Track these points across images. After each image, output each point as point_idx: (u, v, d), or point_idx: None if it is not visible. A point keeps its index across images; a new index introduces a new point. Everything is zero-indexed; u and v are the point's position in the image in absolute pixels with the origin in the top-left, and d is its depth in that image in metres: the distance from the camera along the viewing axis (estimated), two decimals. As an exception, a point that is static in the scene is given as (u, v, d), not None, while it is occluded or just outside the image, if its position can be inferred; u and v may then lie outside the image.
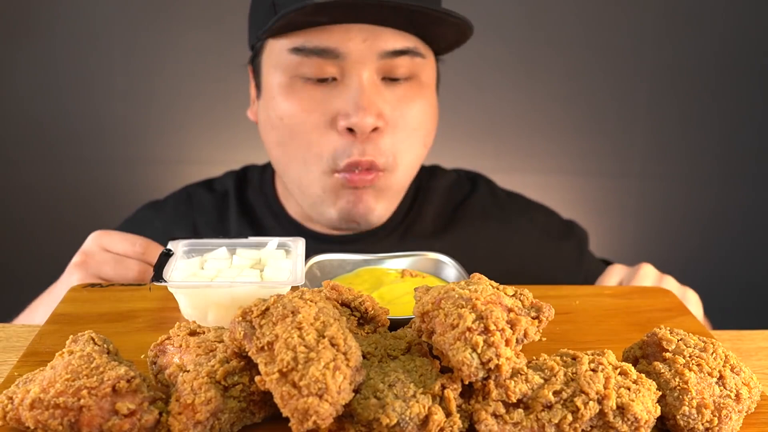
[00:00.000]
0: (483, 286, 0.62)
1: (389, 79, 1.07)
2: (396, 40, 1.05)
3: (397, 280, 0.85)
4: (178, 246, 0.84)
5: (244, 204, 1.27)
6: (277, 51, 1.07)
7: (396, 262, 0.90)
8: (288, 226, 1.22)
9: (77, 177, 1.96)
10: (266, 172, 1.31)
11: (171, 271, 0.78)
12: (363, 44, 1.03)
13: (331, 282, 0.70)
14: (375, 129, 1.04)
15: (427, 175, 1.31)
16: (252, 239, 0.87)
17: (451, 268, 0.88)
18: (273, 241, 0.86)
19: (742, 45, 1.95)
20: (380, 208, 1.12)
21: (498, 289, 0.63)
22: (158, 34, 1.88)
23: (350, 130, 1.04)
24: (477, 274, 0.68)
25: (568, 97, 1.98)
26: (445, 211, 1.29)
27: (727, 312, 2.02)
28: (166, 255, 0.82)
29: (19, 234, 1.98)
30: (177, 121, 1.95)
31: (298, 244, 0.85)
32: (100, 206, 1.98)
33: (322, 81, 1.06)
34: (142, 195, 1.97)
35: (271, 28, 1.04)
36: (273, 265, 0.81)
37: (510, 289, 0.63)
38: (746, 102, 2.00)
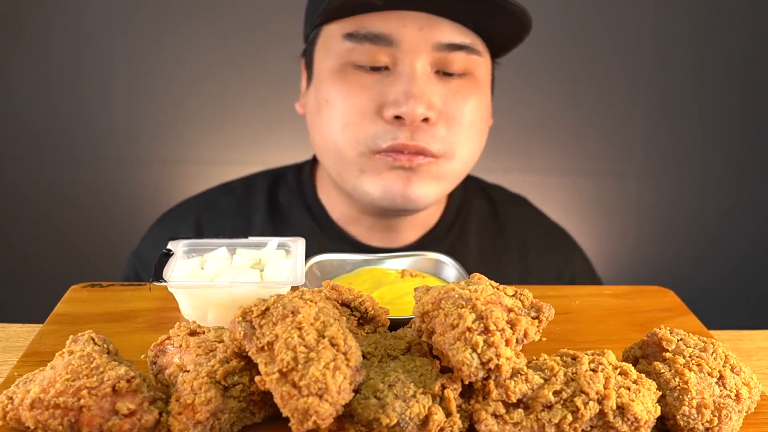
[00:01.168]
0: (483, 286, 0.62)
1: (443, 74, 1.04)
2: (453, 33, 1.03)
3: (397, 280, 0.85)
4: (178, 246, 0.84)
5: (274, 207, 1.23)
6: (332, 37, 1.05)
7: (396, 262, 0.90)
8: (328, 230, 1.19)
9: (78, 177, 1.95)
10: (303, 171, 1.26)
11: (171, 271, 0.78)
12: (418, 33, 1.01)
13: (331, 282, 0.70)
14: (426, 120, 1.01)
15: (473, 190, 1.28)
16: (252, 239, 0.87)
17: (451, 268, 0.88)
18: (273, 241, 0.86)
19: (742, 44, 1.95)
20: (426, 192, 1.06)
21: (498, 289, 0.63)
22: (158, 33, 1.88)
23: (398, 117, 1.01)
24: (477, 274, 0.68)
25: (567, 97, 1.98)
26: (486, 234, 1.25)
27: (727, 312, 2.02)
28: (166, 255, 0.81)
29: (19, 234, 1.98)
30: (177, 121, 1.95)
31: (298, 244, 0.85)
32: (100, 206, 1.98)
33: (374, 69, 1.03)
34: (142, 195, 1.97)
35: (326, 9, 1.02)
36: (273, 265, 0.81)
37: (510, 289, 0.63)
38: (746, 102, 2.00)
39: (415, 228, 1.19)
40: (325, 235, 1.18)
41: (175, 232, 1.21)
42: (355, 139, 1.04)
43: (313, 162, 1.26)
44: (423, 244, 1.18)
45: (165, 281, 0.76)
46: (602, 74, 1.97)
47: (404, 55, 1.02)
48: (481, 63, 1.07)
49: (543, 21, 1.93)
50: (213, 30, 1.88)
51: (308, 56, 1.13)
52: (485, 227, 1.26)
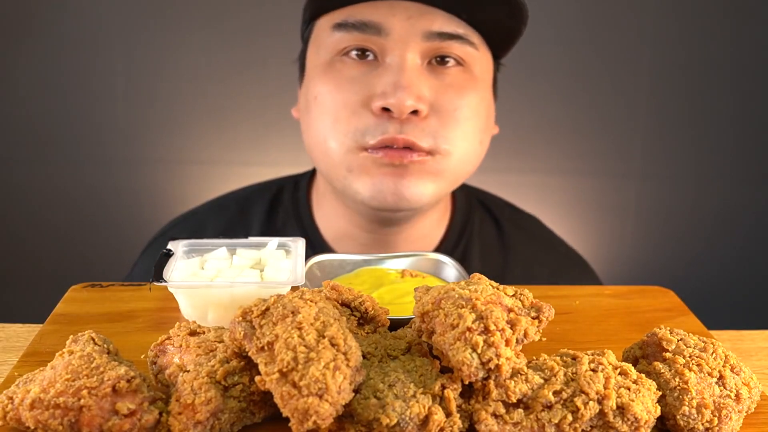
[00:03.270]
0: (483, 286, 0.62)
1: (437, 63, 1.00)
2: (444, 22, 0.99)
3: (397, 280, 0.85)
4: (178, 246, 0.84)
5: (269, 228, 1.18)
6: (322, 30, 1.04)
7: (396, 262, 0.90)
8: (320, 252, 1.11)
9: (78, 177, 1.96)
10: (300, 188, 1.21)
11: (171, 271, 0.78)
12: (408, 22, 0.98)
13: (331, 282, 0.70)
14: (415, 112, 0.96)
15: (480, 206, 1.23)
16: (252, 239, 0.86)
17: (451, 268, 0.88)
18: (273, 241, 0.86)
19: (743, 44, 1.95)
20: (420, 191, 1.00)
21: (498, 289, 0.63)
22: (159, 34, 1.88)
23: (386, 110, 0.96)
24: (477, 274, 0.68)
25: (567, 97, 1.98)
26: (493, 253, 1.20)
27: (727, 312, 2.02)
28: (166, 255, 0.81)
29: (20, 234, 1.98)
30: (177, 121, 1.95)
31: (298, 244, 0.85)
32: (101, 206, 1.98)
33: (362, 58, 1.00)
34: (142, 195, 1.97)
35: (312, 5, 1.01)
36: (273, 265, 0.81)
37: (510, 289, 0.63)
38: (747, 102, 2.00)
39: (413, 246, 1.14)
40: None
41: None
42: (343, 134, 0.99)
43: (312, 175, 1.22)
44: None
45: (165, 281, 0.75)
46: (601, 75, 1.97)
47: (393, 45, 0.98)
48: (477, 57, 1.03)
49: (543, 21, 1.94)
50: (214, 30, 1.88)
51: (302, 56, 1.11)
52: (489, 251, 1.20)
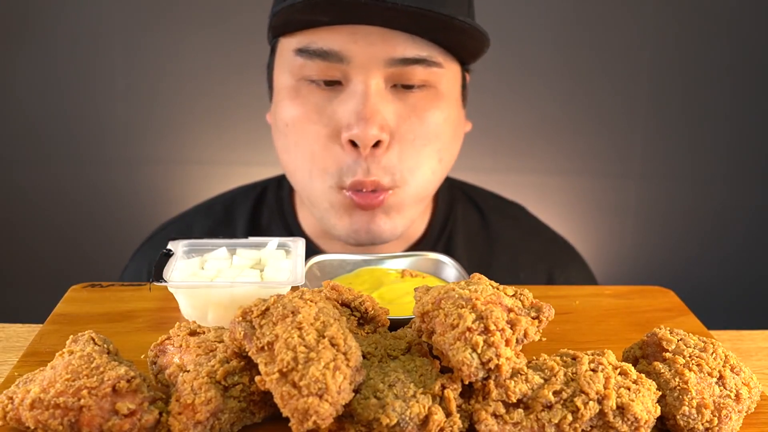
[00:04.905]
0: (483, 286, 0.62)
1: (402, 87, 1.00)
2: (407, 47, 0.97)
3: (397, 280, 0.85)
4: (178, 246, 0.84)
5: (254, 228, 1.19)
6: (286, 51, 1.02)
7: (396, 262, 0.90)
8: (306, 251, 1.16)
9: (78, 177, 1.96)
10: (282, 189, 1.23)
11: (171, 271, 0.78)
12: (370, 48, 0.96)
13: (331, 282, 0.70)
14: (378, 143, 0.98)
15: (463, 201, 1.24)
16: (252, 239, 0.87)
17: (451, 268, 0.88)
18: (273, 242, 0.86)
19: (742, 44, 1.95)
20: (392, 226, 1.05)
21: (498, 289, 0.63)
22: (159, 34, 1.88)
23: (353, 143, 0.98)
24: (477, 274, 0.68)
25: (567, 97, 1.98)
26: (476, 242, 1.22)
27: (727, 312, 2.02)
28: (166, 255, 0.81)
29: (20, 234, 1.98)
30: (177, 121, 1.95)
31: (298, 244, 0.85)
32: (101, 206, 1.98)
33: (327, 84, 1.00)
34: (142, 195, 1.97)
35: (273, 26, 1.00)
36: (273, 266, 0.81)
37: (510, 289, 0.63)
38: (747, 102, 2.00)
39: (397, 242, 1.16)
40: None
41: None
42: (324, 171, 1.01)
43: None
44: None
45: (165, 281, 0.76)
46: (601, 75, 1.97)
47: (356, 72, 0.97)
48: (443, 74, 1.02)
49: (543, 21, 1.94)
50: (214, 31, 1.88)
51: (269, 68, 1.10)
52: (473, 240, 1.22)
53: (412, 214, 1.08)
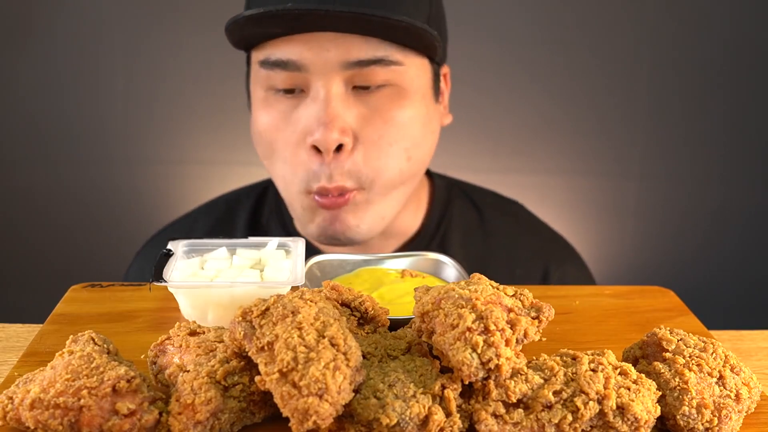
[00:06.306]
0: (483, 286, 0.62)
1: (363, 88, 1.01)
2: (362, 49, 0.98)
3: (397, 280, 0.85)
4: (178, 246, 0.84)
5: (255, 227, 1.21)
6: (254, 64, 1.05)
7: (396, 262, 0.90)
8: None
9: (78, 177, 1.96)
10: None
11: (171, 271, 0.78)
12: (325, 54, 0.98)
13: (331, 282, 0.70)
14: (341, 147, 0.99)
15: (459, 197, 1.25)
16: (252, 239, 0.87)
17: (451, 268, 0.88)
18: (273, 242, 0.86)
19: (743, 44, 1.95)
20: (363, 224, 1.06)
21: (498, 289, 0.63)
22: (160, 34, 1.88)
23: (317, 148, 1.00)
24: (477, 274, 0.68)
25: (567, 97, 1.98)
26: (473, 240, 1.23)
27: (727, 312, 2.02)
28: (166, 255, 0.81)
29: (20, 235, 1.98)
30: (178, 121, 1.95)
31: (298, 244, 0.85)
32: (101, 206, 1.98)
33: (290, 92, 1.02)
34: (142, 195, 1.97)
35: (231, 41, 1.03)
36: (273, 266, 0.81)
37: (510, 289, 0.63)
38: (747, 102, 2.00)
39: (393, 239, 1.16)
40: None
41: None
42: (295, 175, 1.04)
43: None
44: None
45: (165, 281, 0.76)
46: (601, 76, 1.97)
47: (315, 78, 0.99)
48: (404, 72, 1.01)
49: (542, 22, 1.94)
50: (214, 31, 1.87)
51: (246, 81, 1.13)
52: (470, 236, 1.22)
53: (381, 210, 1.08)
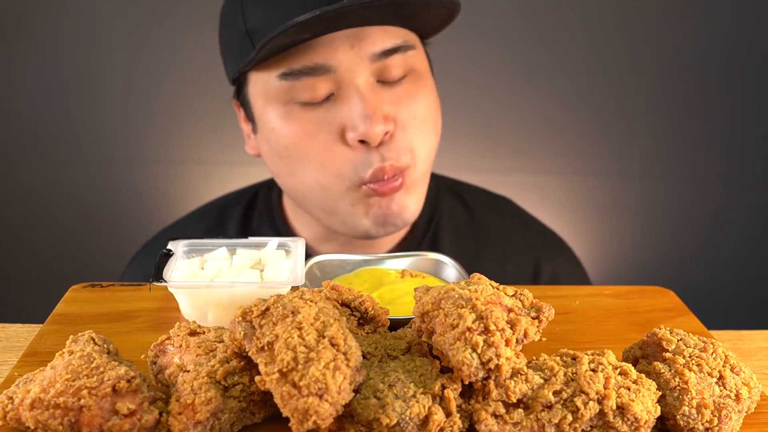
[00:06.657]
0: (483, 286, 0.62)
1: (385, 83, 1.03)
2: (383, 38, 1.01)
3: (397, 280, 0.85)
4: (178, 246, 0.84)
5: (245, 233, 1.21)
6: (265, 81, 1.03)
7: (396, 262, 0.90)
8: None
9: (78, 178, 1.95)
10: (272, 193, 1.24)
11: (171, 271, 0.78)
12: (351, 51, 0.99)
13: (331, 282, 0.70)
14: (386, 134, 1.01)
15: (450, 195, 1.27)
16: (252, 239, 0.87)
17: (451, 268, 0.88)
18: (273, 242, 0.86)
19: (742, 44, 1.95)
20: (413, 204, 1.08)
21: (498, 289, 0.63)
22: (160, 34, 1.88)
23: (361, 141, 1.00)
24: (477, 274, 0.68)
25: (567, 97, 1.98)
26: (465, 237, 1.24)
27: (727, 312, 2.02)
28: (166, 255, 0.81)
29: (20, 235, 1.98)
30: (178, 121, 1.95)
31: (298, 244, 0.85)
32: (101, 206, 1.98)
33: (318, 101, 1.01)
34: (142, 195, 1.97)
35: (256, 59, 1.00)
36: (273, 266, 0.81)
37: (510, 289, 0.63)
38: (746, 102, 2.00)
39: (387, 238, 1.17)
40: None
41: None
42: (338, 176, 1.03)
43: None
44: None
45: (165, 281, 0.76)
46: (601, 76, 1.97)
47: (345, 77, 1.00)
48: (417, 56, 1.06)
49: (542, 22, 1.94)
50: (214, 31, 1.87)
51: (242, 100, 1.10)
52: (460, 234, 1.24)
53: (423, 190, 1.11)
